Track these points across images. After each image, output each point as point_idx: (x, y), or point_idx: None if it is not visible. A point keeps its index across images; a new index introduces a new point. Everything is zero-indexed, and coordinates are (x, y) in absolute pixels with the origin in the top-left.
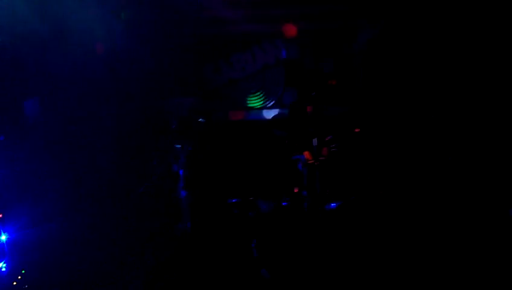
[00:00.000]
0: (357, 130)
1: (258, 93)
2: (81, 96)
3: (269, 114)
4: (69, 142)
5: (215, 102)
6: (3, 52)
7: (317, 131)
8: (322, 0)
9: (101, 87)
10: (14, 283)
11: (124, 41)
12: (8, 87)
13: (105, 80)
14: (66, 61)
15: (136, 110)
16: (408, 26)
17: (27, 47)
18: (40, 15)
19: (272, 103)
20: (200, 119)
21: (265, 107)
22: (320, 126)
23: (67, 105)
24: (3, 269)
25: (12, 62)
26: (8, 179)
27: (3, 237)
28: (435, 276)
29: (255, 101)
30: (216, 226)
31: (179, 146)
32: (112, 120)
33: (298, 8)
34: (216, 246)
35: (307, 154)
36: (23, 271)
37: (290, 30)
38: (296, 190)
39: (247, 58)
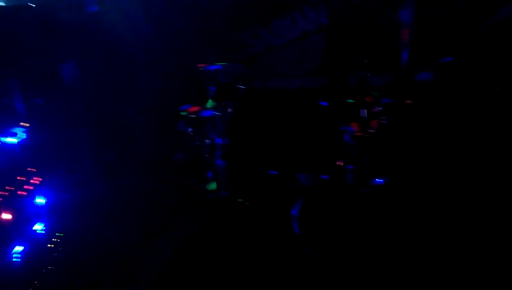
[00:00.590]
0: (409, 101)
1: (298, 60)
2: (118, 62)
3: (310, 82)
4: (106, 108)
5: (254, 69)
6: (41, 14)
7: (366, 101)
8: None
9: (138, 53)
10: (52, 245)
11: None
12: (46, 50)
13: (142, 45)
14: (104, 25)
15: (173, 76)
16: None
17: (64, 11)
18: None
19: (312, 71)
20: (240, 86)
21: (305, 75)
22: (366, 96)
23: (105, 71)
24: (43, 231)
25: (49, 25)
26: (47, 144)
27: (43, 201)
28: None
29: (294, 69)
30: (253, 197)
31: (217, 113)
32: (148, 86)
33: None
34: (252, 218)
35: (355, 125)
36: (60, 234)
37: None
38: (340, 163)
39: (287, 24)
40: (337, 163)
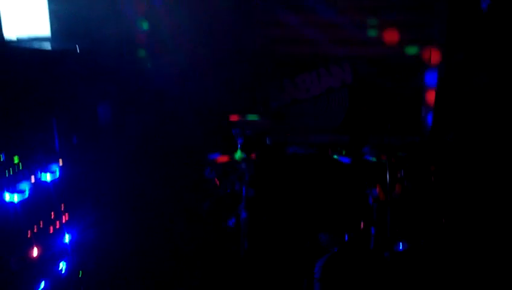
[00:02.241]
0: (432, 167)
1: (321, 116)
2: (150, 105)
3: (331, 138)
4: (135, 149)
5: (278, 122)
6: (82, 56)
7: (390, 164)
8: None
9: (170, 99)
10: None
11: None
12: (84, 91)
13: (174, 91)
14: (138, 69)
15: (203, 125)
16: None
17: (104, 53)
18: (116, 22)
19: (332, 128)
20: (267, 141)
21: (327, 131)
22: (389, 157)
23: (137, 113)
24: (63, 270)
25: (88, 67)
26: (77, 179)
27: (67, 238)
28: None
29: (317, 124)
30: (272, 253)
31: (243, 165)
32: (179, 132)
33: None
34: (269, 273)
35: (378, 189)
36: (80, 274)
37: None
38: (362, 226)
39: (312, 79)
40: (360, 225)
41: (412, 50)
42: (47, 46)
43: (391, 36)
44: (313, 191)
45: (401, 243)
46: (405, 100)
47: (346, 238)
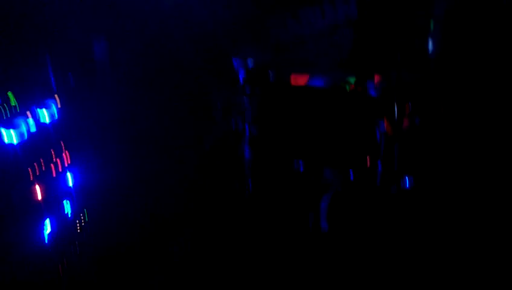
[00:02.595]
0: (441, 103)
1: (325, 52)
2: (148, 44)
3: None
4: (134, 90)
5: (281, 58)
6: None
7: (399, 100)
8: None
9: (170, 34)
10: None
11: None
12: (81, 26)
13: (175, 24)
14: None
15: (202, 61)
16: None
17: None
18: None
19: (337, 64)
20: (270, 74)
21: (331, 70)
22: (399, 94)
23: (138, 50)
24: (68, 210)
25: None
26: (77, 123)
27: (70, 178)
28: None
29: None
30: (276, 189)
31: (246, 101)
32: (178, 69)
33: None
34: (274, 209)
35: (386, 123)
36: (84, 215)
37: None
38: (368, 161)
39: (316, 13)
40: (366, 160)
41: None
42: None
43: None
44: (318, 126)
45: (407, 179)
46: (413, 33)
47: (352, 174)
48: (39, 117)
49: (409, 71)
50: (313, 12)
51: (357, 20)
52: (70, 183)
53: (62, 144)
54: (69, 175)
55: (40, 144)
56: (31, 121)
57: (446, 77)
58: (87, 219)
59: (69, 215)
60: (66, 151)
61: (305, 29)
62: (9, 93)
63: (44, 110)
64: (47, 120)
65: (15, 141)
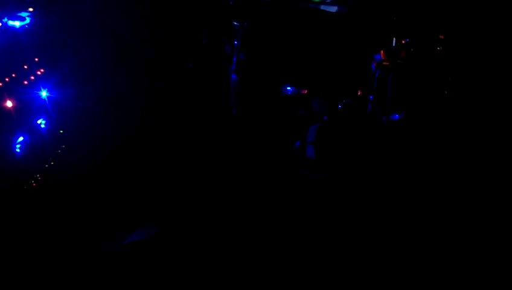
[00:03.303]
0: (441, 36)
1: None
2: None
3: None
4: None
5: None
6: None
7: (397, 29)
8: None
9: None
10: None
11: None
12: None
13: None
14: None
15: None
16: None
17: None
18: None
19: None
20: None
21: (323, 2)
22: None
23: None
24: (43, 126)
25: None
26: (52, 30)
27: (44, 93)
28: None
29: None
30: (262, 117)
31: (236, 24)
32: None
33: None
34: (258, 138)
35: (382, 53)
36: (61, 131)
37: None
38: (359, 92)
39: None
40: (358, 91)
41: None
42: None
43: None
44: (310, 52)
45: (398, 113)
46: None
47: (342, 105)
48: (6, 22)
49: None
50: None
51: None
52: (44, 96)
53: (35, 54)
54: (42, 88)
55: (9, 51)
56: None
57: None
58: (62, 132)
59: (43, 128)
60: (40, 63)
61: None
62: None
63: (16, 16)
64: (17, 24)
65: None
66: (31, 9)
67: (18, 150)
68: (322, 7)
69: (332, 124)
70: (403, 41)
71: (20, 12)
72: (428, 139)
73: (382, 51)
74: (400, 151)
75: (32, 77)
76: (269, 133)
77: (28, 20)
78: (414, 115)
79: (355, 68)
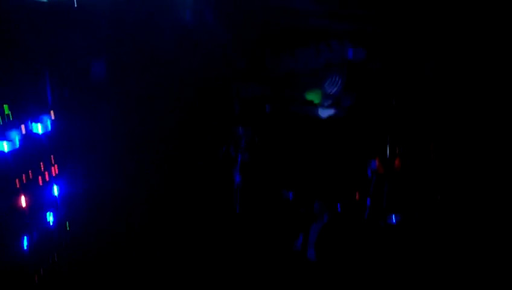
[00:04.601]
0: (432, 146)
1: (317, 89)
2: (147, 65)
3: (325, 113)
4: (130, 105)
5: (276, 91)
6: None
7: (391, 139)
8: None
9: (168, 62)
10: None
11: (198, 21)
12: (80, 45)
13: (172, 54)
14: (137, 30)
15: (200, 90)
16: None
17: (101, 9)
18: None
19: (329, 103)
20: (266, 107)
21: (322, 106)
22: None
23: (133, 71)
24: (51, 221)
25: (85, 21)
26: (68, 132)
27: (55, 190)
28: None
29: (313, 97)
30: (264, 216)
31: (240, 130)
32: (175, 96)
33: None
34: (260, 235)
35: (377, 162)
36: (67, 226)
37: None
38: (357, 196)
39: (311, 52)
40: (356, 196)
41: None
42: None
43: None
44: (310, 158)
45: (394, 216)
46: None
47: (341, 207)
48: (32, 128)
49: (402, 114)
50: (308, 51)
51: (351, 60)
52: (56, 194)
53: (52, 156)
54: (55, 186)
55: (30, 154)
56: (23, 131)
57: (436, 119)
58: (68, 229)
59: (51, 225)
60: (55, 163)
61: (300, 66)
62: (5, 106)
63: (38, 123)
64: (40, 131)
65: (6, 149)
66: (52, 113)
67: (25, 247)
68: (320, 110)
69: (332, 227)
70: (397, 150)
71: (43, 115)
72: (424, 240)
73: (377, 159)
74: (398, 252)
75: (47, 176)
76: (271, 232)
77: (49, 123)
78: (410, 218)
79: (352, 174)
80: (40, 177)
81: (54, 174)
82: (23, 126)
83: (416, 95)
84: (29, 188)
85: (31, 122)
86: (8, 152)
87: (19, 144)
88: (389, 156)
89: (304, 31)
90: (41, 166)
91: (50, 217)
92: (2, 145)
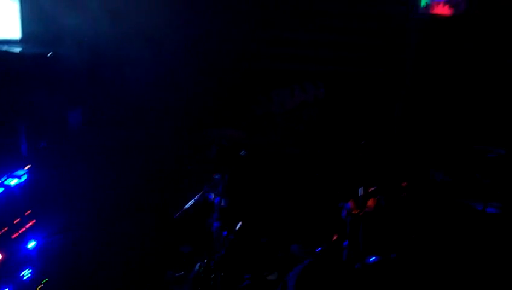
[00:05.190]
0: (404, 184)
1: (294, 129)
2: (123, 114)
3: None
4: (106, 155)
5: (253, 135)
6: (56, 63)
7: (363, 179)
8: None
9: (144, 109)
10: None
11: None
12: (55, 97)
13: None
14: (111, 77)
15: (175, 136)
16: None
17: (75, 58)
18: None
19: (304, 142)
20: (242, 152)
21: (299, 144)
22: (364, 173)
23: (109, 120)
24: (27, 276)
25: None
26: (44, 184)
27: (32, 244)
28: None
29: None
30: (243, 262)
31: (217, 176)
32: (152, 142)
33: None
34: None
35: (352, 203)
36: (45, 280)
37: None
38: (334, 238)
39: (286, 93)
40: (332, 237)
41: (380, 69)
42: (17, 49)
43: (362, 56)
44: (286, 202)
45: (371, 256)
46: (376, 115)
47: (318, 250)
48: (6, 181)
49: (371, 153)
50: (283, 93)
51: (324, 99)
52: (32, 246)
53: (27, 208)
54: (31, 242)
55: (4, 207)
56: None
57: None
58: (44, 285)
59: (27, 282)
60: (31, 217)
61: (276, 108)
62: None
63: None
64: (13, 183)
65: None
66: (28, 166)
67: None
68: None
69: (309, 270)
70: (370, 190)
71: (18, 170)
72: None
73: (351, 200)
74: None
75: (23, 230)
76: (251, 278)
77: (24, 177)
78: (387, 258)
79: (327, 217)
80: (15, 232)
81: (29, 227)
82: None
83: (386, 134)
84: (3, 243)
85: (6, 176)
86: None
87: None
88: (362, 196)
89: (279, 73)
90: (17, 220)
91: (26, 272)
92: None
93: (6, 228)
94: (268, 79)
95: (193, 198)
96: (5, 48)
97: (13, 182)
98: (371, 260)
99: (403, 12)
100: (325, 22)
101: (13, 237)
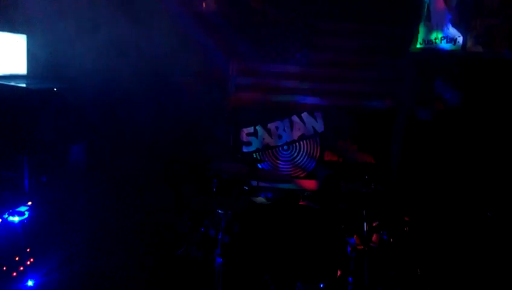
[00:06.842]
0: (406, 218)
1: (293, 162)
2: (125, 149)
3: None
4: (107, 190)
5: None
6: (58, 98)
7: (368, 214)
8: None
9: (145, 143)
10: None
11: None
12: (58, 131)
13: (150, 136)
14: (113, 113)
15: (178, 170)
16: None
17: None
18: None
19: (304, 174)
20: (245, 187)
21: (297, 177)
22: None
23: (110, 155)
24: None
25: (66, 107)
26: (44, 221)
27: (30, 283)
28: None
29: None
30: None
31: (220, 211)
32: (151, 175)
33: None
34: None
35: (356, 238)
36: None
37: None
38: (339, 274)
39: (285, 126)
40: (337, 274)
41: (380, 103)
42: (23, 84)
43: (361, 89)
44: (291, 240)
45: None
46: (374, 150)
47: (323, 286)
48: (7, 216)
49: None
50: (282, 125)
51: (323, 132)
52: (30, 285)
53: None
54: (29, 280)
55: (4, 244)
56: None
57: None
58: None
59: None
60: (31, 254)
61: (275, 141)
62: None
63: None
64: (15, 220)
65: None
66: (29, 203)
67: None
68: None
69: None
70: (374, 224)
71: (20, 206)
72: None
73: (356, 235)
74: None
75: (22, 268)
76: None
77: (26, 214)
78: None
79: (332, 253)
80: (14, 271)
81: (28, 264)
82: None
83: (387, 170)
84: (2, 282)
85: (8, 213)
86: None
87: None
88: (366, 231)
89: (276, 106)
90: (16, 258)
91: None
92: None
93: (5, 267)
94: (265, 111)
95: (195, 234)
96: (12, 82)
97: (15, 218)
98: None
99: None
100: None
101: (12, 275)
